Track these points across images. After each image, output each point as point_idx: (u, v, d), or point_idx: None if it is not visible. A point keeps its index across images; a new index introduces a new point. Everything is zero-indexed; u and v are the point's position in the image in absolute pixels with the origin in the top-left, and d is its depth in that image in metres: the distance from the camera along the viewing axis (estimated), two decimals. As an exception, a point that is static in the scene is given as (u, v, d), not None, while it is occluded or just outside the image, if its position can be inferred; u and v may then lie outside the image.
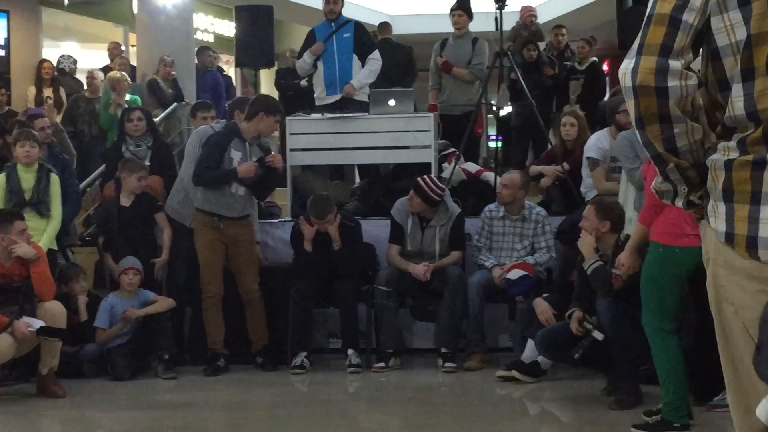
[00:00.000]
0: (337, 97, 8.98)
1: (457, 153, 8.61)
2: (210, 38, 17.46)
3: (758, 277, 2.17)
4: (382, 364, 7.26)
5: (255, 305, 7.45)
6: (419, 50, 11.09)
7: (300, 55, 9.36)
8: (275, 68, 12.91)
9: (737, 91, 2.19)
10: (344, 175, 9.34)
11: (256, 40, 11.00)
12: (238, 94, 14.77)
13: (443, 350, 7.25)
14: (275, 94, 12.77)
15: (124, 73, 11.34)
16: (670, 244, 5.25)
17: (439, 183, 7.53)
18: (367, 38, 9.32)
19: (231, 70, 15.85)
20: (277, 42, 12.28)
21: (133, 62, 13.31)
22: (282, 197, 9.08)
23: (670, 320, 5.32)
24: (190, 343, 7.73)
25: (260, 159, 7.40)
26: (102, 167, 9.37)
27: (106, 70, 12.25)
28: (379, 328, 7.43)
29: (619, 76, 2.24)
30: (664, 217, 5.26)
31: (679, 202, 2.31)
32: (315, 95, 9.33)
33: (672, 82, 2.18)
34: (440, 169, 8.57)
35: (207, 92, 12.45)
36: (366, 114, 8.56)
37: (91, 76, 11.74)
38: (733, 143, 2.20)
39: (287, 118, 8.52)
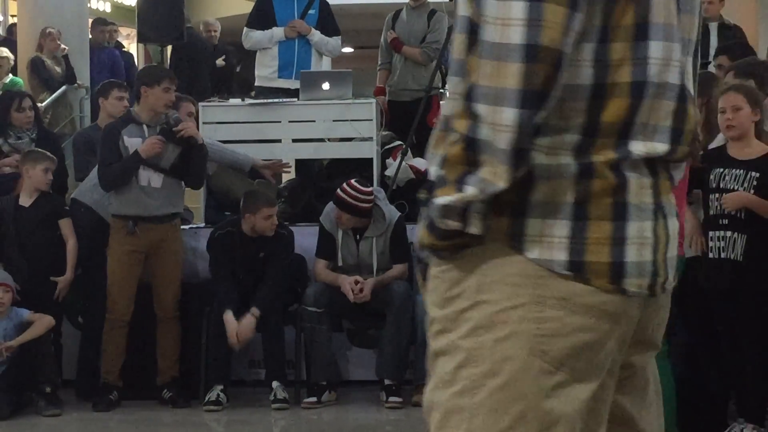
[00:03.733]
0: (295, 83, 8.85)
1: (404, 147, 8.61)
2: (107, 8, 17.31)
3: (614, 314, 1.93)
4: (314, 399, 7.24)
5: (169, 326, 7.40)
6: (370, 23, 11.09)
7: (250, 22, 9.27)
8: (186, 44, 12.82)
9: (587, 52, 1.90)
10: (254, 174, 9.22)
11: (162, 10, 10.92)
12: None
13: (387, 382, 7.25)
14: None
15: (3, 49, 11.20)
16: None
17: (363, 187, 7.42)
18: (331, 19, 9.31)
19: (132, 47, 15.73)
20: (188, 13, 12.21)
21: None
22: (194, 199, 9.01)
23: (663, 341, 5.41)
24: (79, 372, 7.63)
25: (162, 130, 7.31)
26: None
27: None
28: (309, 356, 7.39)
29: (489, 22, 1.86)
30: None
31: (476, 225, 1.89)
32: (259, 75, 9.23)
33: (569, 49, 1.88)
34: (384, 166, 8.57)
35: (104, 74, 12.33)
36: (295, 100, 8.53)
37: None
38: (568, 138, 1.91)
39: (200, 104, 8.46)
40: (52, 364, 7.29)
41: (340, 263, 7.44)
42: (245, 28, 9.25)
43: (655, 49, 1.93)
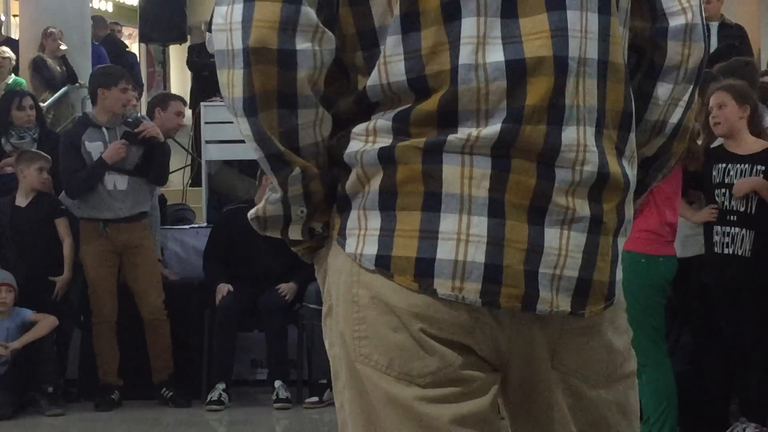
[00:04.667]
0: None
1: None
2: (109, 7, 17.31)
3: (428, 318, 1.73)
4: (316, 399, 7.24)
5: (159, 327, 7.38)
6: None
7: (213, 25, 9.27)
8: (187, 44, 12.82)
9: (393, 47, 1.75)
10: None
11: (164, 10, 10.93)
12: (143, 74, 14.66)
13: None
14: (187, 74, 12.70)
15: (5, 49, 11.19)
16: (652, 254, 5.33)
17: None
18: None
19: (135, 46, 15.73)
20: (190, 13, 12.21)
21: (16, 36, 13.15)
22: (196, 198, 9.02)
23: (663, 340, 5.42)
24: (81, 372, 7.64)
25: (126, 133, 7.28)
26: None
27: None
28: (310, 354, 7.39)
29: (213, 29, 1.80)
30: (644, 222, 5.31)
31: (295, 233, 1.83)
32: None
33: (302, 44, 1.73)
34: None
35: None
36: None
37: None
38: (383, 123, 1.75)
39: (201, 104, 8.46)
40: (54, 363, 7.29)
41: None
42: (207, 33, 9.28)
43: (467, 27, 1.72)
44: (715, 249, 5.68)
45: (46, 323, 7.26)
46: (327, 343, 1.89)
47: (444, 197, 1.72)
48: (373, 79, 1.76)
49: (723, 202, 5.68)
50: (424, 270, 1.72)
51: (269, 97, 1.73)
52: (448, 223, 1.72)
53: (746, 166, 5.65)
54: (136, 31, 13.18)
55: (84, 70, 12.24)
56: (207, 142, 8.52)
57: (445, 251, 1.72)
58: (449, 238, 1.72)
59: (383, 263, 1.74)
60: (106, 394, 7.30)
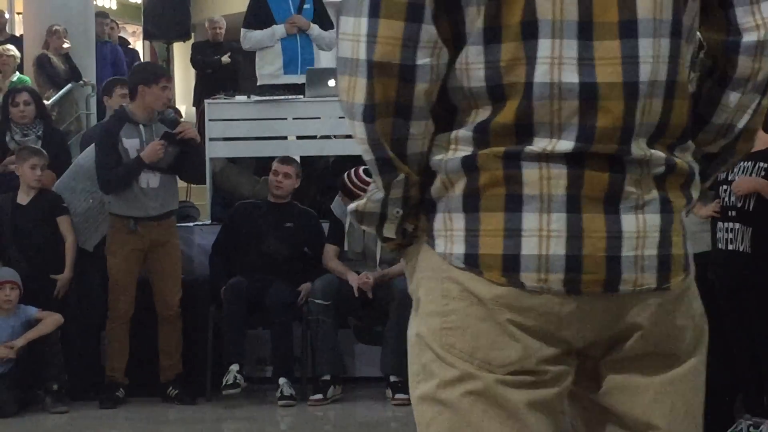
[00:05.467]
0: (301, 78, 8.87)
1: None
2: (113, 5, 17.32)
3: (516, 308, 1.89)
4: (320, 396, 7.22)
5: (173, 324, 7.39)
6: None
7: (248, 23, 9.27)
8: (191, 41, 12.83)
9: (476, 55, 1.90)
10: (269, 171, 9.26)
11: (168, 7, 10.93)
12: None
13: (392, 379, 7.24)
14: (191, 71, 12.71)
15: (10, 47, 11.20)
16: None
17: (367, 178, 7.51)
18: (325, 12, 9.33)
19: (138, 44, 15.74)
20: (193, 10, 12.21)
21: (20, 33, 13.15)
22: (200, 196, 9.02)
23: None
24: (84, 369, 7.64)
25: (165, 134, 7.31)
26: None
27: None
28: (314, 349, 7.39)
29: (340, 37, 1.92)
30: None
31: (389, 231, 2.01)
32: (263, 73, 9.24)
33: (422, 60, 1.87)
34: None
35: (107, 69, 12.32)
36: (301, 97, 8.53)
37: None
38: (464, 134, 1.92)
39: (206, 101, 8.46)
40: (59, 361, 7.29)
41: (345, 248, 7.49)
42: (243, 30, 9.26)
43: (543, 47, 1.87)
44: (719, 245, 5.68)
45: (51, 321, 7.26)
46: (409, 333, 2.02)
47: (525, 198, 1.87)
48: (455, 81, 1.91)
49: (724, 198, 5.69)
50: (510, 265, 1.88)
51: (388, 107, 1.88)
52: (530, 221, 1.87)
53: (749, 163, 5.65)
54: (139, 29, 13.18)
55: (88, 67, 12.25)
56: (211, 139, 8.50)
57: (529, 247, 1.87)
58: (532, 235, 1.87)
59: (472, 261, 1.90)
60: (111, 391, 7.29)
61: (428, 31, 1.86)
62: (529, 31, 1.86)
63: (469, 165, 1.90)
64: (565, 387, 1.96)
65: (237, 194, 8.45)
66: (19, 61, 11.33)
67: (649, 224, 1.91)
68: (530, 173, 1.87)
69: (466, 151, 1.90)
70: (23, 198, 7.57)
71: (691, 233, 2.12)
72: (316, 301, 7.32)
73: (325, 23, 9.24)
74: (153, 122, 7.35)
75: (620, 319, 1.94)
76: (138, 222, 7.25)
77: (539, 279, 1.87)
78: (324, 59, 9.45)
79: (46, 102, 9.56)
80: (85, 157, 7.75)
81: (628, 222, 1.90)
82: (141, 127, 7.29)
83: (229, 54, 12.24)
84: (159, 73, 7.51)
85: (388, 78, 1.86)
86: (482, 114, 1.91)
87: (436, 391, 1.94)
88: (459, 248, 1.91)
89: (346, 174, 7.50)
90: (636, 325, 1.95)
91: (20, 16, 13.66)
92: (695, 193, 2.01)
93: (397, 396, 7.15)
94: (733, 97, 2.05)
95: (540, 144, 1.87)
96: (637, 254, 1.90)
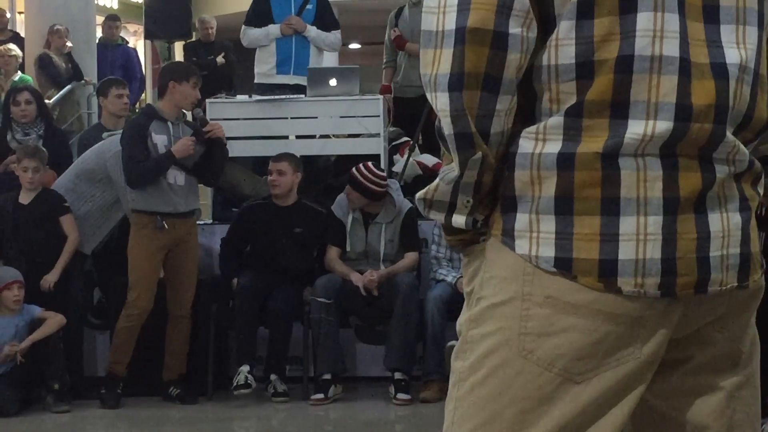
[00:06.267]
0: (298, 79, 8.87)
1: (411, 143, 8.61)
2: (114, 4, 17.31)
3: (608, 313, 1.85)
4: (321, 396, 7.22)
5: (182, 323, 7.37)
6: (378, 18, 11.08)
7: (248, 20, 9.27)
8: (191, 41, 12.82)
9: (567, 31, 1.84)
10: (260, 170, 9.23)
11: (169, 6, 10.92)
12: (147, 71, 14.65)
13: (397, 377, 7.21)
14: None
15: (12, 46, 11.19)
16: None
17: (379, 171, 7.51)
18: (329, 13, 9.31)
19: (139, 43, 15.73)
20: (194, 9, 12.21)
21: (22, 32, 13.15)
22: (202, 195, 9.00)
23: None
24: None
25: (196, 131, 7.32)
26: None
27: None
28: (316, 348, 7.38)
29: (424, 11, 1.87)
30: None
31: (458, 221, 1.92)
32: (258, 72, 9.24)
33: (515, 29, 1.80)
34: (391, 162, 8.56)
35: (117, 71, 12.30)
36: (302, 96, 8.53)
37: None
38: (555, 120, 1.85)
39: (207, 101, 8.47)
40: (60, 360, 7.28)
41: (348, 248, 7.47)
42: (243, 26, 9.26)
43: (644, 20, 1.81)
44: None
45: (54, 322, 7.25)
46: (464, 327, 1.96)
47: (622, 201, 1.83)
48: (541, 60, 1.84)
49: None
50: (608, 270, 1.83)
51: (477, 77, 1.79)
52: (627, 225, 1.83)
53: None
54: (140, 28, 13.16)
55: (89, 67, 12.27)
56: (212, 138, 8.50)
57: (626, 252, 1.83)
58: (629, 239, 1.83)
59: (564, 265, 1.84)
60: (111, 387, 7.27)
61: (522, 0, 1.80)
62: (627, 4, 1.81)
63: (565, 164, 1.83)
64: (640, 393, 1.91)
65: (238, 193, 8.45)
66: (21, 60, 11.32)
67: (732, 222, 1.91)
68: (628, 175, 1.82)
69: (557, 142, 1.84)
70: (25, 197, 7.56)
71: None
72: (318, 299, 7.30)
73: (328, 25, 9.23)
74: (179, 120, 7.36)
75: (705, 319, 1.94)
76: (164, 218, 7.24)
77: (636, 283, 1.84)
78: (329, 60, 9.45)
79: (47, 101, 9.56)
80: (85, 161, 7.72)
81: (714, 221, 1.89)
82: (169, 124, 7.28)
83: (223, 54, 12.24)
84: (190, 71, 7.50)
85: (480, 46, 1.78)
86: (568, 96, 1.84)
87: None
88: (548, 251, 1.85)
89: (354, 168, 7.47)
90: (718, 324, 1.96)
91: (21, 15, 13.63)
92: (761, 190, 2.01)
93: (400, 396, 7.14)
94: None
95: (636, 129, 1.81)
96: (722, 254, 1.90)
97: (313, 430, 6.86)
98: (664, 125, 1.81)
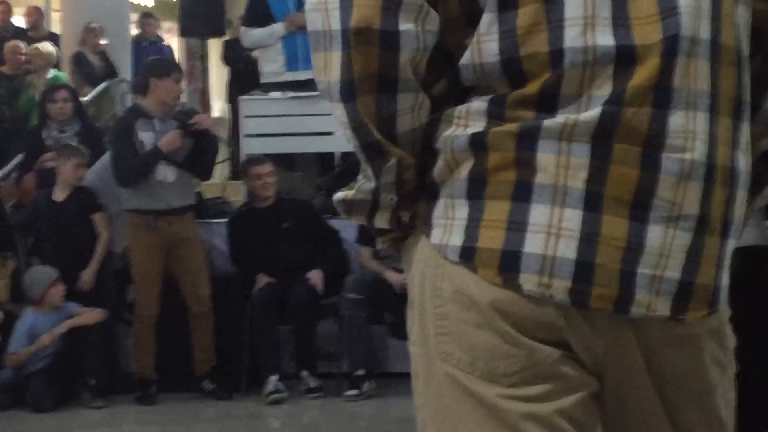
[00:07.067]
0: (308, 74, 8.89)
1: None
2: (149, 2, 17.37)
3: (513, 315, 1.62)
4: (356, 392, 7.23)
5: (205, 318, 7.39)
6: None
7: (248, 21, 9.27)
8: (226, 37, 12.84)
9: (488, 25, 1.64)
10: (293, 165, 9.25)
11: (203, 4, 10.94)
12: (182, 68, 14.69)
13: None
14: (226, 69, 12.72)
15: (45, 44, 11.25)
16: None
17: None
18: None
19: (173, 40, 15.78)
20: (228, 7, 12.23)
21: (58, 31, 13.21)
22: (235, 192, 9.03)
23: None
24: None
25: (183, 124, 7.32)
26: (19, 157, 9.29)
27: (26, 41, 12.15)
28: (348, 344, 7.39)
29: (307, 8, 1.67)
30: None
31: (381, 221, 1.75)
32: (266, 71, 9.24)
33: (405, 25, 1.61)
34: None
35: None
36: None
37: (14, 50, 11.61)
38: (478, 105, 1.65)
39: (240, 98, 8.47)
40: (98, 356, 7.32)
41: (378, 247, 7.48)
42: (242, 28, 9.25)
43: (571, 8, 1.60)
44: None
45: (93, 314, 7.29)
46: (409, 338, 1.77)
47: (536, 187, 1.60)
48: (466, 58, 1.65)
49: None
50: (509, 264, 1.60)
51: (369, 81, 1.61)
52: (538, 214, 1.60)
53: None
54: (175, 26, 13.19)
55: (124, 64, 12.32)
56: (246, 135, 8.52)
57: (533, 244, 1.59)
58: (538, 230, 1.59)
59: (467, 255, 1.62)
60: (144, 388, 7.32)
61: None
62: None
63: (478, 143, 1.62)
64: (589, 395, 1.68)
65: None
66: (54, 58, 11.37)
67: (677, 243, 1.62)
68: (546, 158, 1.59)
69: (477, 127, 1.63)
70: (59, 195, 7.60)
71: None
72: (349, 296, 7.32)
73: None
74: (167, 116, 7.35)
75: (627, 348, 1.66)
76: (158, 218, 7.25)
77: (540, 283, 1.59)
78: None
79: (82, 99, 9.60)
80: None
81: (654, 234, 1.61)
82: (155, 120, 7.29)
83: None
84: (170, 66, 7.54)
85: (366, 47, 1.60)
86: (500, 90, 1.64)
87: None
88: (456, 239, 1.64)
89: None
90: (647, 354, 1.67)
91: (57, 13, 13.71)
92: (739, 212, 1.70)
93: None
94: None
95: (563, 117, 1.59)
96: (654, 274, 1.61)
97: (346, 426, 6.86)
98: (591, 113, 1.59)
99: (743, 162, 1.69)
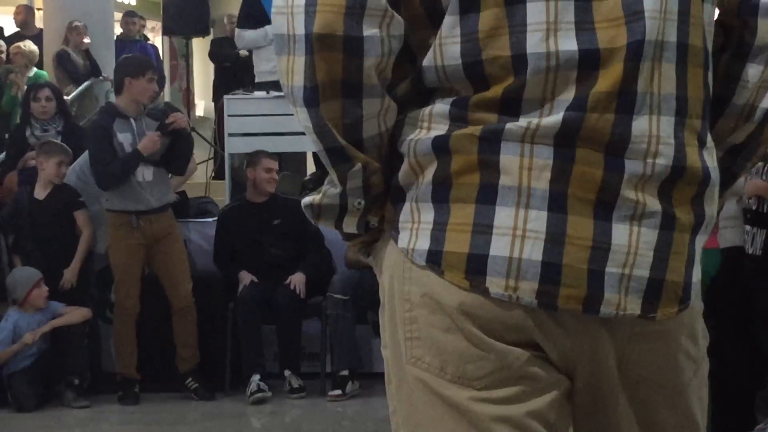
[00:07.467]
0: None
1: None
2: (132, 0, 17.33)
3: (481, 318, 1.61)
4: (339, 392, 7.23)
5: (187, 314, 7.38)
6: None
7: (242, 22, 9.29)
8: (211, 37, 12.84)
9: (450, 28, 1.63)
10: (281, 165, 9.25)
11: (188, 3, 10.93)
12: (166, 67, 14.68)
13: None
14: (210, 67, 12.73)
15: (27, 42, 11.22)
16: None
17: None
18: None
19: (157, 39, 15.75)
20: (213, 6, 12.22)
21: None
22: (219, 191, 9.03)
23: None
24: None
25: (160, 125, 7.32)
26: (1, 156, 9.27)
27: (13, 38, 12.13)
28: (333, 344, 7.40)
29: (273, 11, 1.66)
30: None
31: (349, 226, 1.74)
32: (260, 71, 9.26)
33: (369, 30, 1.60)
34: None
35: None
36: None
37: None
38: (441, 107, 1.64)
39: (225, 97, 8.48)
40: (81, 356, 7.31)
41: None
42: (237, 29, 9.26)
43: (534, 12, 1.59)
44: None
45: (78, 313, 7.28)
46: (381, 342, 1.78)
47: (500, 189, 1.59)
48: (428, 60, 1.65)
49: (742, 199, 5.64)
50: (475, 267, 1.60)
51: (333, 87, 1.61)
52: (503, 216, 1.59)
53: (760, 163, 5.59)
54: (159, 24, 13.18)
55: (107, 63, 12.26)
56: (230, 135, 8.53)
57: (499, 247, 1.59)
58: (504, 233, 1.59)
59: (434, 259, 1.62)
60: (127, 387, 7.31)
61: None
62: None
63: (441, 147, 1.62)
64: (561, 394, 1.67)
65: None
66: (36, 56, 11.34)
67: (643, 240, 1.62)
68: (508, 160, 1.59)
69: (439, 130, 1.63)
70: (40, 192, 7.58)
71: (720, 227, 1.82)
72: (335, 296, 7.32)
73: None
74: (141, 115, 7.34)
75: (598, 348, 1.66)
76: (139, 217, 7.25)
77: (507, 286, 1.59)
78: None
79: (65, 98, 9.59)
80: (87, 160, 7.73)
81: (620, 233, 1.61)
82: (132, 120, 7.27)
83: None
84: (145, 65, 7.50)
85: (329, 53, 1.59)
86: (463, 93, 1.64)
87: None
88: (422, 243, 1.64)
89: None
90: (618, 353, 1.67)
91: (40, 12, 13.67)
92: (710, 209, 1.70)
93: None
94: (753, 71, 1.78)
95: (525, 120, 1.59)
96: (623, 272, 1.61)
97: (330, 426, 6.87)
98: (554, 118, 1.59)
99: (710, 160, 1.70)
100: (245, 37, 9.27)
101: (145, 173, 7.26)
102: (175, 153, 7.39)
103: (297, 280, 7.42)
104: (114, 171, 7.18)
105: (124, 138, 7.22)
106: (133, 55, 8.76)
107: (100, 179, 7.26)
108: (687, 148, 1.65)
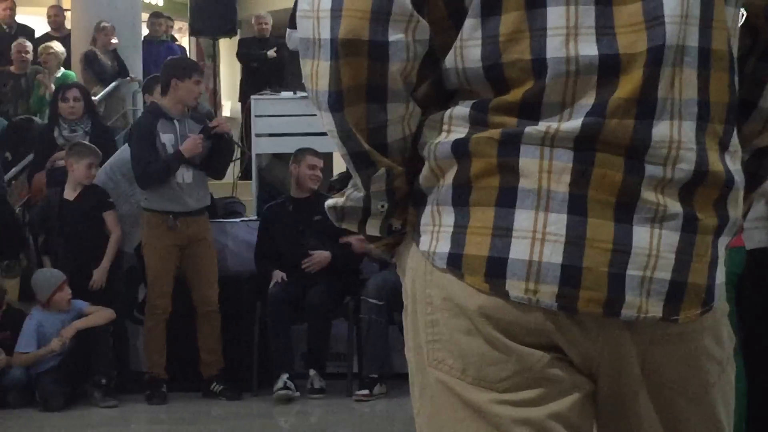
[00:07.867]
0: None
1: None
2: (160, 1, 17.40)
3: (501, 321, 1.62)
4: (366, 392, 7.24)
5: (212, 320, 7.42)
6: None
7: (293, 22, 9.29)
8: (237, 38, 12.88)
9: (471, 30, 1.63)
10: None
11: (215, 3, 10.97)
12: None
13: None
14: (237, 67, 12.77)
15: (55, 43, 11.28)
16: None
17: None
18: None
19: (184, 40, 15.81)
20: (240, 6, 12.26)
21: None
22: (245, 192, 9.05)
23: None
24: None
25: (204, 128, 7.36)
26: (30, 156, 9.33)
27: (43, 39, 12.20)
28: (364, 348, 7.41)
29: (298, 15, 1.67)
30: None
31: (372, 228, 1.75)
32: None
33: (395, 36, 1.60)
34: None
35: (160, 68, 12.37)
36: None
37: (20, 48, 11.67)
38: (460, 110, 1.64)
39: (252, 97, 8.50)
40: (108, 355, 7.34)
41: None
42: (288, 30, 9.27)
43: (554, 17, 1.59)
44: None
45: (102, 314, 7.31)
46: (405, 344, 1.77)
47: (520, 192, 1.59)
48: (449, 62, 1.65)
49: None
50: (495, 270, 1.60)
51: (358, 91, 1.61)
52: (523, 220, 1.59)
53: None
54: (186, 25, 13.22)
55: (135, 64, 12.34)
56: (257, 135, 8.55)
57: (518, 251, 1.59)
58: (524, 236, 1.59)
59: (455, 262, 1.62)
60: (154, 387, 7.34)
61: (400, 2, 1.59)
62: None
63: (461, 150, 1.62)
64: (584, 396, 1.67)
65: (283, 189, 8.48)
66: (63, 57, 11.41)
67: (664, 242, 1.61)
68: (528, 163, 1.59)
69: (459, 133, 1.63)
70: (70, 193, 7.62)
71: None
72: (370, 300, 7.31)
73: None
74: (185, 117, 7.38)
75: (620, 350, 1.65)
76: (176, 218, 7.28)
77: (527, 289, 1.59)
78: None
79: (93, 98, 9.64)
80: (122, 159, 7.76)
81: (641, 235, 1.60)
82: (175, 122, 7.31)
83: (275, 49, 12.30)
84: (191, 67, 7.54)
85: (355, 58, 1.59)
86: (483, 95, 1.64)
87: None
88: (443, 247, 1.64)
89: None
90: (641, 356, 1.66)
91: (68, 12, 13.74)
92: (734, 212, 1.68)
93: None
94: None
95: (545, 125, 1.59)
96: (644, 275, 1.60)
97: (356, 426, 6.87)
98: (573, 123, 1.58)
99: (733, 164, 1.68)
100: (296, 38, 9.28)
101: (185, 175, 7.29)
102: (215, 157, 7.43)
103: (321, 255, 7.45)
104: (155, 171, 7.22)
105: (167, 139, 7.26)
106: (180, 57, 8.80)
107: (141, 178, 7.30)
108: (709, 153, 1.64)
